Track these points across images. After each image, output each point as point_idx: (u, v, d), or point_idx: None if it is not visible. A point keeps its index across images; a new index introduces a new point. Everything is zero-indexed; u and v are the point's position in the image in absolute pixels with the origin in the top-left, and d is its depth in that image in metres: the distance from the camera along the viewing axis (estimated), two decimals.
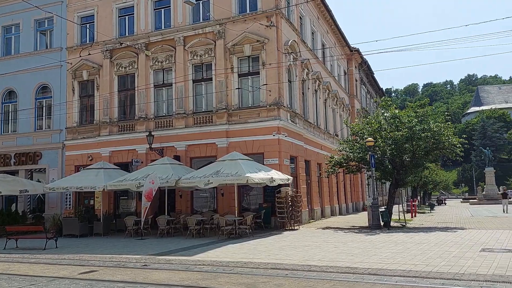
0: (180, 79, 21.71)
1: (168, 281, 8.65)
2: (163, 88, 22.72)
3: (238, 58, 21.05)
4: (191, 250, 13.02)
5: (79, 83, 24.72)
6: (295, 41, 22.25)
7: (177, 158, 20.87)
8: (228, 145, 20.42)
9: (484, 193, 57.09)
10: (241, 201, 20.33)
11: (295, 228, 18.94)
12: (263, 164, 18.86)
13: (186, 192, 20.90)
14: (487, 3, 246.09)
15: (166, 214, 18.50)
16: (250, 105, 20.78)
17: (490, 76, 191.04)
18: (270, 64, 20.04)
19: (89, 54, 22.47)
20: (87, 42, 24.41)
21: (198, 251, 12.71)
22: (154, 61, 22.63)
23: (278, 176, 17.67)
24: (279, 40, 20.34)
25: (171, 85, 22.25)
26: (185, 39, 21.94)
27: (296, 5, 23.23)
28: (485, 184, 59.94)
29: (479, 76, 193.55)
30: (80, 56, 22.95)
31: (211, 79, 21.43)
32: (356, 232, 17.17)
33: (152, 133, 21.11)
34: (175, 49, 22.07)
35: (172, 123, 21.87)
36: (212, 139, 20.73)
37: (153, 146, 21.01)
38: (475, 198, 59.70)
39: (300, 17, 24.77)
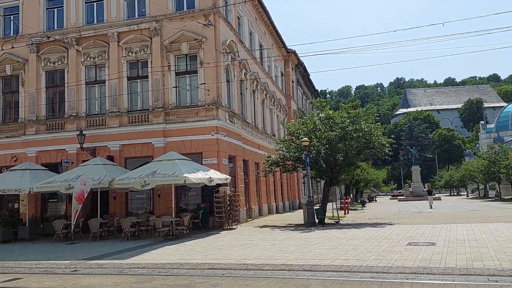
0: (114, 76, 20.96)
1: (100, 286, 8.32)
2: (96, 85, 21.82)
3: (175, 56, 20.72)
4: (126, 253, 12.61)
5: (1, 78, 23.09)
6: (233, 41, 22.32)
7: (110, 158, 20.12)
8: (165, 145, 20.03)
9: (411, 190, 60.86)
10: (179, 202, 20.05)
11: (233, 227, 19.01)
12: (202, 164, 18.74)
13: (121, 193, 20.22)
14: (417, 10, 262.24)
15: (99, 216, 17.76)
16: (188, 104, 20.54)
17: (417, 79, 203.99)
18: (208, 63, 19.93)
19: (13, 47, 21.00)
20: (11, 34, 22.82)
21: (133, 254, 12.35)
22: (85, 57, 21.65)
23: (216, 176, 17.64)
24: (217, 40, 20.30)
25: (104, 82, 21.43)
26: (119, 35, 21.21)
27: (233, 4, 23.31)
28: (412, 182, 63.93)
29: (406, 80, 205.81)
30: (3, 49, 21.40)
31: (147, 76, 20.92)
32: (292, 230, 17.56)
33: (84, 132, 20.18)
34: (109, 45, 21.27)
35: (105, 121, 21.05)
36: (148, 139, 20.24)
37: (84, 146, 20.11)
38: (403, 195, 63.41)
39: (238, 17, 24.89)
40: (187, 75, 20.81)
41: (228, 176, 18.98)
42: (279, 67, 35.06)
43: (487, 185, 60.35)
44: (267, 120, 30.26)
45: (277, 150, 22.89)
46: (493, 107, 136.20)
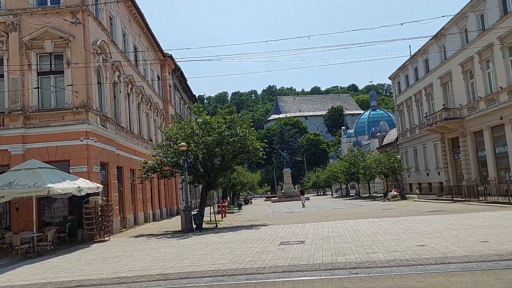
0: None
1: None
2: None
3: (37, 54, 18.77)
4: None
5: None
6: (105, 41, 21.07)
7: None
8: (24, 152, 17.95)
9: (283, 191, 64.35)
10: (42, 215, 18.11)
11: (105, 239, 17.82)
12: (69, 173, 17.20)
13: None
14: (287, 23, 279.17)
15: None
16: (53, 107, 18.73)
17: (287, 87, 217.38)
18: (76, 63, 18.45)
19: None
20: None
21: None
22: None
23: (86, 185, 16.34)
24: (86, 39, 18.92)
25: None
26: None
27: (104, 3, 22.00)
28: (283, 183, 67.64)
29: (278, 87, 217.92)
30: None
31: (2, 75, 18.56)
32: (169, 237, 17.14)
33: None
34: None
35: None
36: (4, 145, 17.92)
37: None
38: (276, 196, 66.71)
39: (110, 18, 23.59)
40: (51, 76, 18.99)
41: (99, 185, 17.75)
42: (155, 71, 34.16)
43: (348, 185, 66.82)
44: (143, 124, 29.18)
45: (154, 156, 22.19)
46: (352, 114, 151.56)
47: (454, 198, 28.49)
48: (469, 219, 15.36)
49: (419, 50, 40.07)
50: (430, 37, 35.55)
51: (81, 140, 18.25)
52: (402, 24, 31.17)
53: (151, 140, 30.53)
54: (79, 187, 15.61)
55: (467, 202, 25.69)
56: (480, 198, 25.70)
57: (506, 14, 26.20)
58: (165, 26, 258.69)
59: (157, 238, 17.07)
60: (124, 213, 22.76)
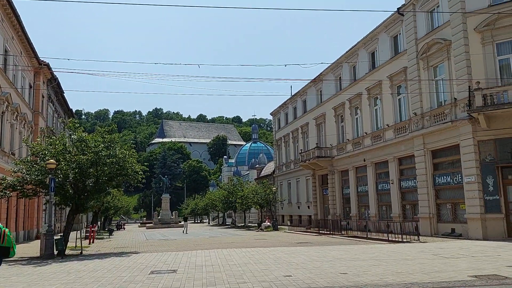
0: None
1: None
2: None
3: None
4: None
5: None
6: None
7: None
8: None
9: (159, 217, 62.48)
10: None
11: None
12: None
13: None
14: (176, 49, 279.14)
15: None
16: None
17: (174, 112, 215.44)
18: None
19: None
20: None
21: None
22: None
23: None
24: None
25: None
26: None
27: None
28: (161, 209, 65.80)
29: (164, 111, 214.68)
30: None
31: None
32: (24, 264, 15.27)
33: None
34: None
35: None
36: None
37: None
38: (151, 223, 64.39)
39: None
40: None
41: None
42: (27, 78, 31.08)
43: (225, 213, 67.59)
44: (6, 136, 26.04)
45: (15, 172, 19.85)
46: (235, 145, 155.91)
47: (321, 231, 30.53)
48: (332, 252, 16.55)
49: (299, 91, 43.15)
50: (309, 81, 38.64)
51: None
52: (285, 65, 33.33)
53: (14, 154, 27.35)
54: None
55: (331, 235, 27.70)
56: (343, 232, 27.94)
57: (374, 68, 29.79)
58: (46, 32, 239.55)
59: (9, 265, 15.05)
60: None
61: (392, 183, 27.39)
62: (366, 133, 30.48)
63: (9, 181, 18.97)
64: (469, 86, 20.50)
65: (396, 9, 26.49)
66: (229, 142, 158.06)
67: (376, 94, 29.48)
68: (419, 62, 24.69)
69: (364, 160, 30.58)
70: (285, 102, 47.91)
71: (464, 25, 21.26)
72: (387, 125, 27.95)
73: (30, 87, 32.09)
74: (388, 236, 21.94)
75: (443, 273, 10.46)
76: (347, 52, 32.94)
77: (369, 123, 30.19)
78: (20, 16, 26.26)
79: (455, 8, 21.65)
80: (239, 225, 56.29)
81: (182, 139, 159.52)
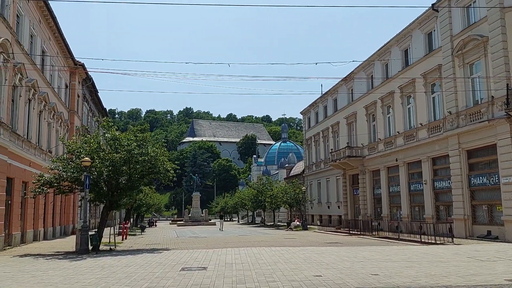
0: None
1: None
2: None
3: None
4: None
5: None
6: (8, 40, 19.43)
7: None
8: None
9: (190, 215, 63.21)
10: None
11: None
12: None
13: None
14: (208, 49, 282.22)
15: None
16: None
17: (204, 111, 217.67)
18: None
19: None
20: None
21: None
22: None
23: None
24: None
25: None
26: None
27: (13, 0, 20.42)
28: (192, 207, 66.59)
29: (194, 110, 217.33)
30: None
31: None
32: (60, 259, 15.81)
33: None
34: None
35: None
36: None
37: None
38: (182, 220, 65.29)
39: (17, 15, 21.89)
40: None
41: None
42: (64, 78, 32.14)
43: (255, 212, 67.79)
44: (44, 134, 27.05)
45: (52, 169, 20.56)
46: (264, 144, 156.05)
47: (351, 231, 30.18)
48: (362, 252, 16.32)
49: (329, 90, 42.77)
50: (340, 79, 38.22)
51: None
52: (316, 63, 34.55)
53: (51, 152, 28.35)
54: None
55: (362, 236, 27.34)
56: (374, 233, 27.53)
57: (407, 66, 29.16)
58: (80, 32, 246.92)
59: (46, 259, 15.64)
60: (10, 230, 20.61)
61: (425, 184, 26.76)
62: (398, 132, 29.89)
63: (46, 178, 19.65)
64: (507, 84, 19.77)
65: (430, 5, 25.82)
66: (259, 141, 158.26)
67: (409, 93, 28.85)
68: (454, 59, 23.98)
69: (396, 160, 30.00)
70: (315, 101, 47.58)
71: (502, 21, 20.50)
72: (421, 124, 27.30)
73: (66, 86, 33.16)
74: (420, 237, 21.48)
75: (479, 276, 10.14)
76: (379, 49, 32.38)
77: (402, 122, 29.58)
78: (57, 17, 27.16)
79: (492, 3, 20.91)
80: (269, 224, 56.32)
81: (212, 138, 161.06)
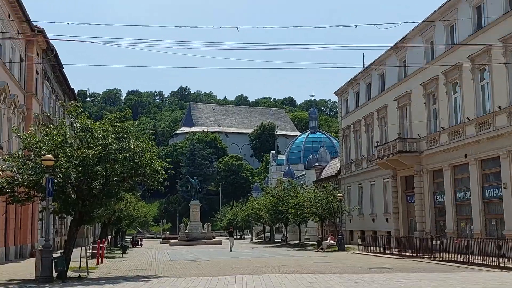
0: None
1: None
2: None
3: None
4: None
5: None
6: None
7: None
8: None
9: (187, 231, 63.69)
10: None
11: None
12: None
13: None
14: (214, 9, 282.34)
15: None
16: None
17: (205, 92, 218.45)
18: None
19: None
20: None
21: None
22: None
23: None
24: None
25: None
26: None
27: None
28: (189, 221, 67.07)
29: (192, 91, 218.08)
30: None
31: None
32: None
33: None
34: None
35: None
36: None
37: None
38: (177, 238, 65.86)
39: None
40: None
41: None
42: (17, 49, 32.45)
43: (274, 228, 67.92)
44: None
45: (3, 171, 20.82)
46: (286, 136, 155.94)
47: (404, 253, 29.99)
48: (420, 281, 16.19)
49: (374, 61, 42.38)
50: (389, 47, 37.82)
51: None
52: (356, 26, 29.96)
53: (1, 148, 28.73)
54: None
55: (419, 259, 27.11)
56: (435, 255, 27.27)
57: (480, 28, 28.69)
58: None
59: None
60: None
61: (505, 188, 26.40)
62: (468, 118, 29.49)
63: None
64: None
65: None
66: (278, 132, 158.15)
67: (483, 64, 28.41)
68: None
69: (466, 156, 29.64)
70: (355, 77, 47.27)
71: None
72: (499, 107, 26.86)
73: (21, 60, 33.50)
74: (498, 260, 21.24)
75: None
76: (442, 6, 31.91)
77: (473, 104, 29.17)
78: None
79: None
80: (292, 243, 56.35)
81: (215, 129, 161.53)
